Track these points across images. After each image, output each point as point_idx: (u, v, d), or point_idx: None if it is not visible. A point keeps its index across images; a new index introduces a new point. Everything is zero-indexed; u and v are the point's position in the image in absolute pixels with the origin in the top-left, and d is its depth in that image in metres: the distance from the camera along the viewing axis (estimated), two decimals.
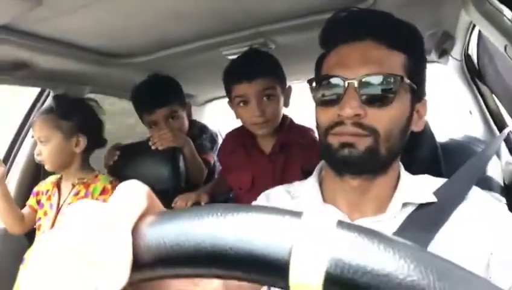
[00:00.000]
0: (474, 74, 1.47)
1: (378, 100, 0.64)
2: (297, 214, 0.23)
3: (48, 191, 1.41)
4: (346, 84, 0.64)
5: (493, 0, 0.87)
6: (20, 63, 1.25)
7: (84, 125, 1.39)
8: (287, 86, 1.34)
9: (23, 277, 0.24)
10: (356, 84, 0.64)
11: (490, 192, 0.95)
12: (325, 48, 0.75)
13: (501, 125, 1.52)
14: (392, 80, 0.64)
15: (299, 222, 0.23)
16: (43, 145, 1.32)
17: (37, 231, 1.36)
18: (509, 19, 0.85)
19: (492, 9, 0.89)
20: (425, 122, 0.94)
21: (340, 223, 0.22)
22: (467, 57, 1.44)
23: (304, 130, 1.38)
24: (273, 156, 1.33)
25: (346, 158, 0.65)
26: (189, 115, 1.68)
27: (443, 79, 1.66)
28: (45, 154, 1.32)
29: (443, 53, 1.42)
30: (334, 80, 0.67)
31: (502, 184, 1.33)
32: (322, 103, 0.70)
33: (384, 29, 0.67)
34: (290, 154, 1.32)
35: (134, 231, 0.25)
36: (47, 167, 1.35)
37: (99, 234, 0.24)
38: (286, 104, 1.34)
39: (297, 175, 1.28)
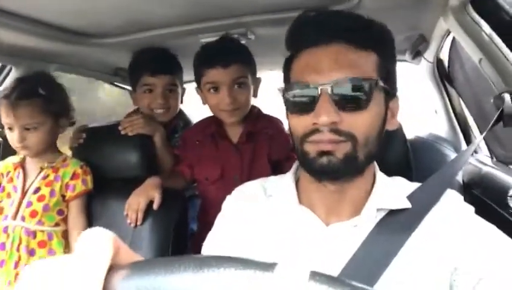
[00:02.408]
0: (444, 76, 1.53)
1: (354, 105, 0.63)
2: (270, 267, 0.23)
3: (8, 172, 1.33)
4: (320, 91, 0.62)
5: (472, 13, 0.90)
6: None
7: (67, 107, 1.34)
8: (257, 77, 1.35)
9: None
10: (329, 90, 0.62)
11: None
12: (293, 49, 0.72)
13: (464, 125, 1.60)
14: (366, 84, 0.63)
15: (272, 276, 0.23)
16: (31, 132, 1.23)
17: None
18: (486, 34, 0.87)
19: (471, 22, 0.91)
20: (398, 125, 0.97)
21: (313, 275, 0.23)
22: (439, 61, 1.49)
23: (271, 120, 1.39)
24: (241, 145, 1.33)
25: (324, 167, 0.64)
26: (181, 101, 1.64)
27: (411, 79, 1.72)
28: (32, 142, 1.24)
29: (417, 54, 1.46)
30: (306, 86, 0.65)
31: (461, 182, 1.40)
32: (295, 110, 0.68)
33: (354, 30, 0.65)
34: (257, 143, 1.33)
35: (106, 287, 0.24)
36: (28, 154, 1.28)
37: None
38: (255, 95, 1.34)
39: (264, 164, 1.31)
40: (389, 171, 0.76)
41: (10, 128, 1.24)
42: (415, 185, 0.73)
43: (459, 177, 1.41)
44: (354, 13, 0.70)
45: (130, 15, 1.15)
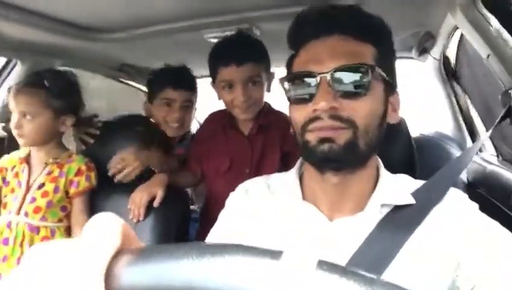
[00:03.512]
0: (450, 74, 1.51)
1: (353, 91, 0.64)
2: (277, 255, 0.23)
3: (14, 167, 1.34)
4: (319, 79, 0.64)
5: (482, 9, 0.89)
6: None
7: (74, 106, 1.35)
8: (271, 72, 1.35)
9: None
10: (329, 78, 0.63)
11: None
12: (294, 47, 0.74)
13: (470, 123, 1.59)
14: (364, 70, 0.64)
15: (278, 264, 0.22)
16: (27, 120, 1.24)
17: (1, 209, 1.30)
18: (495, 29, 0.86)
19: (480, 17, 0.90)
20: (401, 120, 0.96)
21: (320, 264, 0.22)
22: (445, 58, 1.48)
23: (280, 115, 1.39)
24: (252, 137, 1.35)
25: (325, 154, 0.64)
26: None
27: (417, 76, 1.71)
28: (27, 130, 1.24)
29: (423, 51, 1.45)
30: (306, 76, 0.66)
31: (466, 181, 1.39)
32: (296, 101, 0.69)
33: (352, 23, 0.67)
34: (268, 136, 1.34)
35: (108, 273, 0.24)
36: (23, 142, 1.28)
37: (70, 280, 0.23)
38: (268, 90, 1.35)
39: (274, 158, 1.32)
40: (394, 169, 0.76)
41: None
42: (419, 182, 0.73)
43: (464, 176, 1.40)
44: (353, 6, 0.70)
45: (135, 10, 1.15)
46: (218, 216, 0.82)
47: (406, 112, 0.90)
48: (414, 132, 1.30)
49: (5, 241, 1.23)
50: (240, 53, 1.21)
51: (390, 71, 0.71)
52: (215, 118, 1.45)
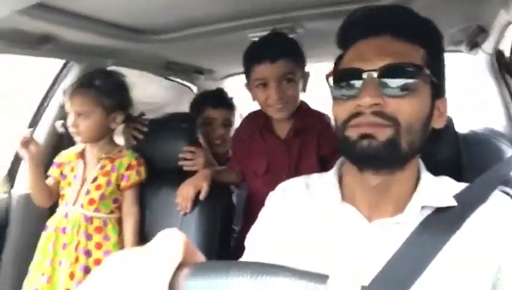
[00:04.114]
0: (504, 68, 1.44)
1: (398, 90, 0.63)
2: (323, 279, 0.24)
3: (70, 162, 1.44)
4: (365, 76, 0.63)
5: None
6: (46, 36, 1.25)
7: (123, 103, 1.43)
8: (306, 72, 1.33)
9: None
10: (375, 75, 0.63)
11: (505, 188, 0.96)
12: (343, 46, 0.74)
13: None
14: (411, 70, 0.63)
15: (324, 288, 0.24)
16: (82, 119, 1.33)
17: (59, 200, 1.40)
18: None
19: None
20: (448, 120, 0.93)
21: None
22: (498, 52, 1.41)
23: (319, 116, 1.37)
24: (289, 141, 1.33)
25: (365, 150, 0.63)
26: None
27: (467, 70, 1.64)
28: (82, 128, 1.34)
29: (474, 46, 1.39)
30: (352, 73, 0.66)
31: None
32: (340, 97, 0.68)
33: (403, 24, 0.67)
34: (305, 140, 1.32)
35: (172, 284, 0.27)
36: (80, 140, 1.37)
37: (139, 286, 0.26)
38: (304, 89, 1.33)
39: (312, 160, 1.31)
40: (439, 169, 0.74)
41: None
42: (462, 184, 0.71)
43: None
44: (402, 7, 0.69)
45: (181, 12, 1.20)
46: (259, 214, 0.84)
47: (454, 108, 0.87)
48: (463, 128, 1.26)
49: (63, 231, 1.32)
50: (274, 50, 1.21)
51: (439, 74, 0.69)
52: (252, 119, 1.45)
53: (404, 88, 0.63)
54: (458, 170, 0.98)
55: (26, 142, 1.31)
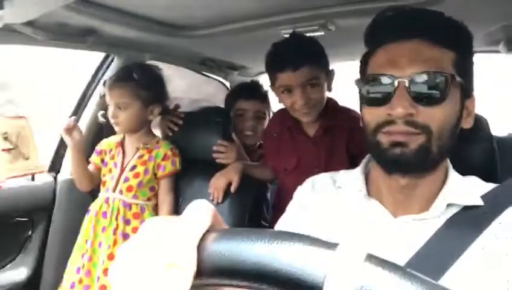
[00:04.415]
0: None
1: (430, 99, 0.63)
2: (333, 246, 0.28)
3: (111, 150, 1.52)
4: (397, 83, 0.63)
5: None
6: (89, 30, 1.33)
7: (159, 95, 1.49)
8: (330, 70, 1.32)
9: (111, 274, 0.31)
10: (407, 83, 0.63)
11: None
12: (371, 45, 0.74)
13: None
14: (443, 79, 0.63)
15: (333, 254, 0.27)
16: (121, 110, 1.40)
17: (101, 187, 1.49)
18: None
19: None
20: (482, 120, 0.92)
21: (369, 258, 0.27)
22: None
23: (348, 113, 1.37)
24: (318, 139, 1.34)
25: (397, 157, 0.64)
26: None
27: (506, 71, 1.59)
28: (122, 119, 1.41)
29: None
30: (383, 79, 0.65)
31: None
32: (370, 102, 0.69)
33: (433, 28, 0.66)
34: (334, 138, 1.33)
35: (200, 245, 0.31)
36: (119, 130, 1.45)
37: (174, 245, 0.31)
38: (329, 89, 1.33)
39: (342, 158, 1.31)
40: (472, 171, 0.74)
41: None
42: (491, 185, 0.71)
43: None
44: (433, 11, 0.70)
45: (216, 9, 1.23)
46: (287, 207, 0.87)
47: (490, 110, 0.86)
48: (502, 131, 1.23)
49: (104, 215, 1.41)
50: (296, 58, 1.20)
51: (468, 75, 0.70)
52: (281, 117, 1.46)
53: (435, 95, 0.63)
54: (493, 172, 0.97)
55: (70, 129, 1.39)
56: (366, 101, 0.70)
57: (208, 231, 0.32)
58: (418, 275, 0.26)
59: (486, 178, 0.74)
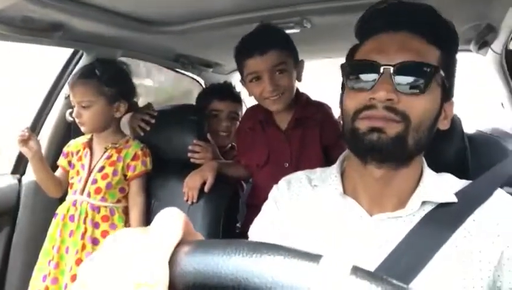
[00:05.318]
0: None
1: (412, 88, 0.64)
2: (316, 258, 0.26)
3: (78, 151, 1.46)
4: (382, 70, 0.64)
5: None
6: (56, 24, 1.26)
7: (125, 92, 1.44)
8: (300, 60, 1.33)
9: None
10: (392, 70, 0.63)
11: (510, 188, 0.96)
12: (361, 36, 0.75)
13: None
14: (427, 70, 0.64)
15: (317, 267, 0.25)
16: (85, 109, 1.35)
17: (69, 189, 1.43)
18: None
19: None
20: (455, 119, 0.94)
21: (354, 270, 0.25)
22: (508, 52, 1.40)
23: (320, 106, 1.39)
24: (289, 132, 1.35)
25: (373, 143, 0.64)
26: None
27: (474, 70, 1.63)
28: (85, 118, 1.35)
29: (483, 45, 1.38)
30: (369, 65, 0.66)
31: None
32: (353, 88, 0.69)
33: (423, 23, 0.67)
34: (306, 130, 1.34)
35: (172, 260, 0.28)
36: (84, 130, 1.40)
37: (142, 261, 0.28)
38: (299, 79, 1.34)
39: (315, 150, 1.32)
40: (444, 168, 0.75)
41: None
42: (465, 182, 0.72)
43: None
44: (425, 5, 0.70)
45: (190, 4, 1.20)
46: (262, 207, 0.86)
47: (462, 108, 0.87)
48: (470, 128, 1.25)
49: (71, 218, 1.35)
50: (262, 42, 1.22)
51: (450, 78, 0.71)
52: (253, 112, 1.47)
53: (418, 87, 0.64)
54: (465, 169, 0.98)
55: (25, 140, 1.33)
56: (351, 85, 0.70)
57: (180, 243, 0.29)
58: (405, 287, 0.24)
59: (459, 175, 0.76)
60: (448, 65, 0.70)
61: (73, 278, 1.29)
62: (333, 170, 0.79)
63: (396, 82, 0.63)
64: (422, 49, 0.66)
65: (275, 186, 0.87)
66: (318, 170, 0.85)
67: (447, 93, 0.70)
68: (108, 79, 1.38)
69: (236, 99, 1.81)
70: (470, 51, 1.55)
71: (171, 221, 0.31)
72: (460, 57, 1.62)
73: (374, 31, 0.70)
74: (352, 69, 0.70)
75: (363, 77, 0.67)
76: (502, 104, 1.61)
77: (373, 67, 0.65)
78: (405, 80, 0.64)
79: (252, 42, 1.25)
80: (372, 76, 0.65)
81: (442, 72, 0.66)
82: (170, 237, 0.29)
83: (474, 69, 1.68)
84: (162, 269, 0.27)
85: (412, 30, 0.67)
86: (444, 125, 0.72)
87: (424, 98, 0.64)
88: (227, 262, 0.26)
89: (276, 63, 1.22)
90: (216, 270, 0.27)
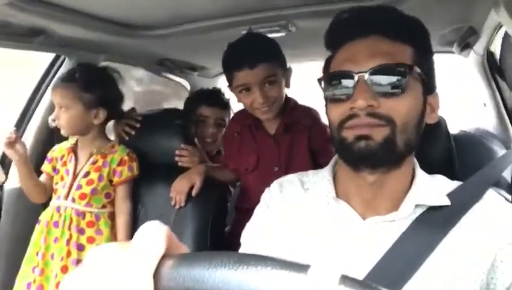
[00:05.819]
0: (495, 70, 1.46)
1: (390, 91, 0.64)
2: (304, 268, 0.25)
3: (62, 156, 1.43)
4: (357, 78, 0.64)
5: None
6: (37, 29, 1.24)
7: (105, 99, 1.40)
8: (287, 68, 1.33)
9: None
10: (366, 77, 0.63)
11: (498, 189, 0.97)
12: (331, 48, 0.75)
13: None
14: (402, 69, 0.64)
15: (305, 278, 0.25)
16: (63, 112, 1.33)
17: (53, 195, 1.40)
18: None
19: None
20: (440, 119, 0.95)
21: (343, 280, 0.24)
22: (489, 53, 1.42)
23: (308, 110, 1.39)
24: (278, 137, 1.35)
25: (362, 151, 0.64)
26: None
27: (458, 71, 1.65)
28: (63, 121, 1.34)
29: (465, 47, 1.41)
30: (343, 76, 0.66)
31: (510, 181, 1.34)
32: (333, 100, 0.69)
33: (390, 24, 0.68)
34: (295, 134, 1.34)
35: (156, 274, 0.28)
36: (63, 132, 1.38)
37: (126, 276, 0.27)
38: (287, 85, 1.34)
39: (303, 156, 1.32)
40: (432, 168, 0.75)
41: None
42: (456, 183, 0.72)
43: (508, 176, 1.34)
44: (388, 7, 0.71)
45: (174, 8, 1.19)
46: (254, 210, 0.85)
47: (446, 109, 0.88)
48: (454, 128, 1.26)
49: (55, 224, 1.33)
50: (252, 55, 1.20)
51: (429, 71, 0.71)
52: (241, 116, 1.46)
53: (395, 86, 0.64)
54: (451, 169, 0.99)
55: (12, 143, 1.31)
56: (330, 98, 0.70)
57: (164, 257, 0.29)
58: None
59: (445, 174, 0.76)
60: (424, 60, 0.70)
61: (59, 285, 1.26)
62: (325, 173, 0.78)
63: (373, 87, 0.63)
64: (393, 50, 0.66)
65: (267, 190, 0.86)
66: (310, 172, 0.84)
67: (428, 87, 0.70)
68: (87, 85, 1.36)
69: (224, 106, 1.80)
70: (452, 52, 1.57)
71: (153, 235, 0.30)
72: (444, 59, 1.65)
73: (343, 41, 0.70)
74: (328, 81, 0.70)
75: (340, 88, 0.67)
76: (485, 104, 1.63)
77: (347, 77, 0.65)
78: (381, 83, 0.64)
79: (240, 54, 1.23)
80: (349, 85, 0.65)
81: (417, 68, 0.66)
82: (153, 251, 0.29)
83: (456, 70, 1.70)
84: (147, 284, 0.27)
85: (379, 33, 0.67)
86: (432, 118, 0.72)
87: (404, 97, 0.64)
88: (213, 275, 0.26)
89: (266, 76, 1.22)
90: (202, 284, 0.26)
